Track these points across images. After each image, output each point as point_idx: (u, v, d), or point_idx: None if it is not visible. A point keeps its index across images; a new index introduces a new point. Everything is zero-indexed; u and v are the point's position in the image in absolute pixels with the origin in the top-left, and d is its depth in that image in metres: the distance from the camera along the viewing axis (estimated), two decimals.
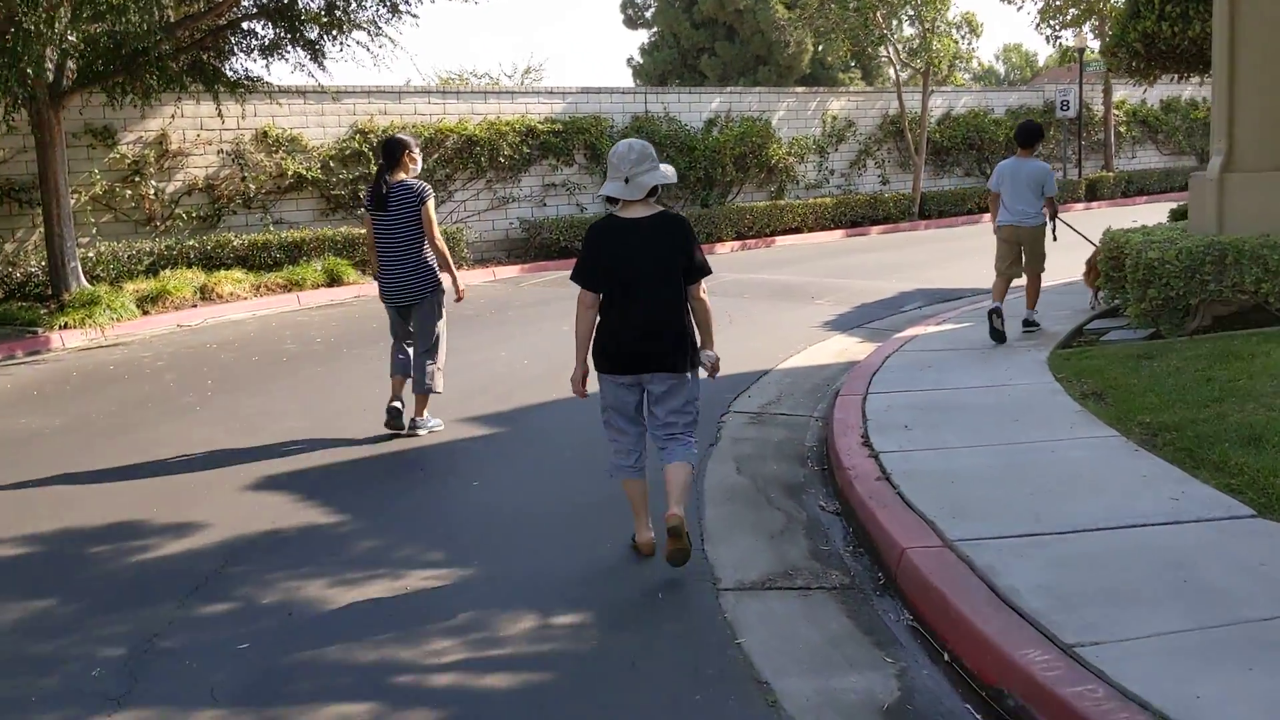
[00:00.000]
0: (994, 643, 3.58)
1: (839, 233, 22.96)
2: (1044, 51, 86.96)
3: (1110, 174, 28.72)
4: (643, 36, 44.43)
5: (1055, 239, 9.17)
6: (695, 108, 22.69)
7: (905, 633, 4.06)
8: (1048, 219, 9.06)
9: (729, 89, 23.83)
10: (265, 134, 17.69)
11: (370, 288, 16.23)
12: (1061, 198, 27.61)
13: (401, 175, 7.09)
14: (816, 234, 22.68)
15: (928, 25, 23.97)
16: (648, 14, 44.12)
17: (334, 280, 16.20)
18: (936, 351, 8.76)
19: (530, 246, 19.73)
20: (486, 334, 11.68)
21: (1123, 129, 30.52)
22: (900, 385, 7.57)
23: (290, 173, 17.72)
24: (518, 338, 11.39)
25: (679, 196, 22.16)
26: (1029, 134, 9.09)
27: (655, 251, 4.59)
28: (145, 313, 13.80)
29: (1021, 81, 60.64)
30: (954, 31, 25.26)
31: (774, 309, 12.38)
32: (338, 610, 4.46)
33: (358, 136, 18.45)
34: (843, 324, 11.14)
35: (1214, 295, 8.10)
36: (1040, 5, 29.69)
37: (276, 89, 17.19)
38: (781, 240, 22.12)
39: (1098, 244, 10.26)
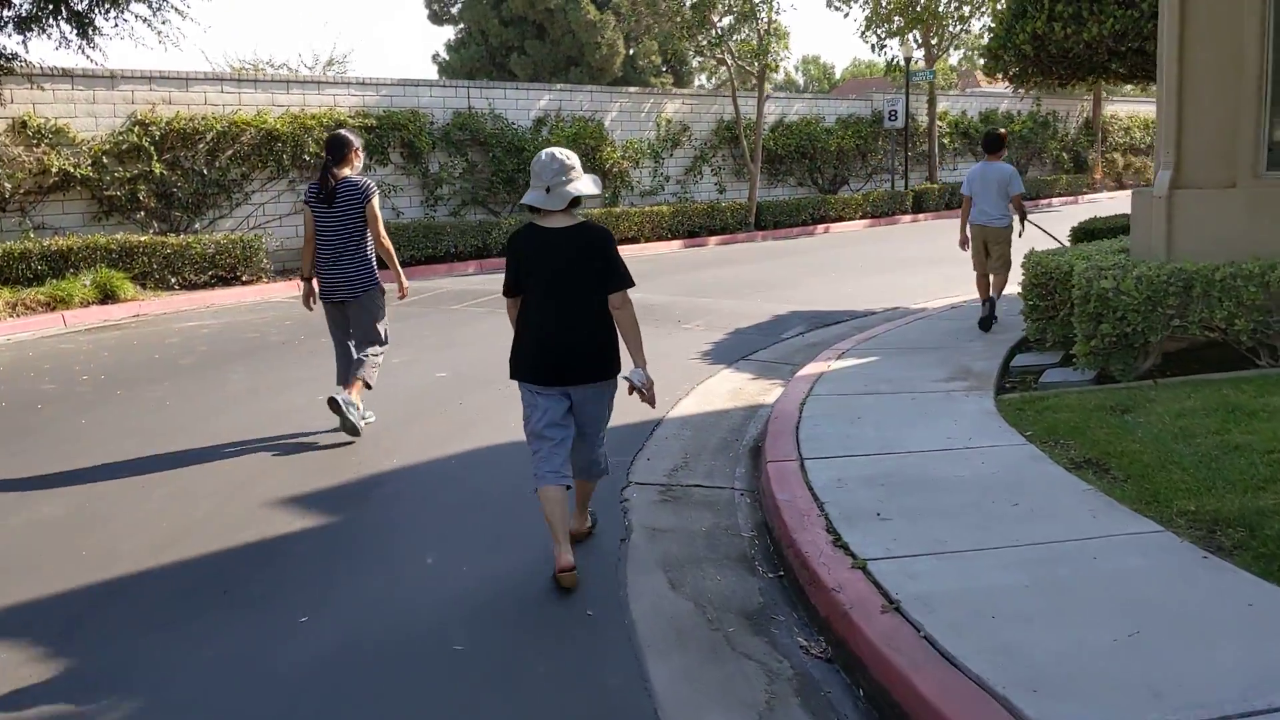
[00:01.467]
0: None
1: (676, 243, 21.66)
2: (840, 64, 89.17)
3: (935, 185, 28.56)
4: (449, 33, 42.41)
5: (1020, 235, 9.92)
6: (523, 105, 20.94)
7: None
8: (1016, 220, 9.82)
9: (559, 86, 22.19)
10: (24, 124, 14.94)
11: (151, 305, 13.81)
12: (886, 210, 27.61)
13: (346, 171, 7.03)
14: (654, 244, 21.31)
15: (763, 26, 22.96)
16: (454, 9, 42.15)
17: (108, 297, 13.70)
18: (857, 396, 7.38)
19: None
20: (301, 369, 9.66)
21: (946, 140, 30.49)
22: (838, 446, 6.11)
23: (55, 170, 15.03)
24: (328, 377, 9.41)
25: (507, 202, 20.37)
26: (993, 140, 10.00)
27: (573, 261, 4.54)
28: None
29: (821, 94, 61.35)
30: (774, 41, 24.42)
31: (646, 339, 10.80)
32: None
33: (136, 129, 15.87)
34: (724, 355, 9.67)
35: (1177, 331, 7.00)
36: (866, 13, 29.34)
37: (37, 70, 14.57)
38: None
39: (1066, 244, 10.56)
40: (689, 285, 14.62)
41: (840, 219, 25.29)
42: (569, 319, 4.57)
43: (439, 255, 18.01)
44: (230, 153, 16.44)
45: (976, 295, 10.25)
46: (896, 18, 28.50)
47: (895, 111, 27.55)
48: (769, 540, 5.14)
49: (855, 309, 12.08)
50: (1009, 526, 4.69)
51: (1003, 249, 9.82)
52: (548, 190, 4.50)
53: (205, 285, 15.16)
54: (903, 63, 28.94)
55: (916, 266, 16.01)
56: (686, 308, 12.46)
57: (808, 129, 26.18)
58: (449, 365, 9.56)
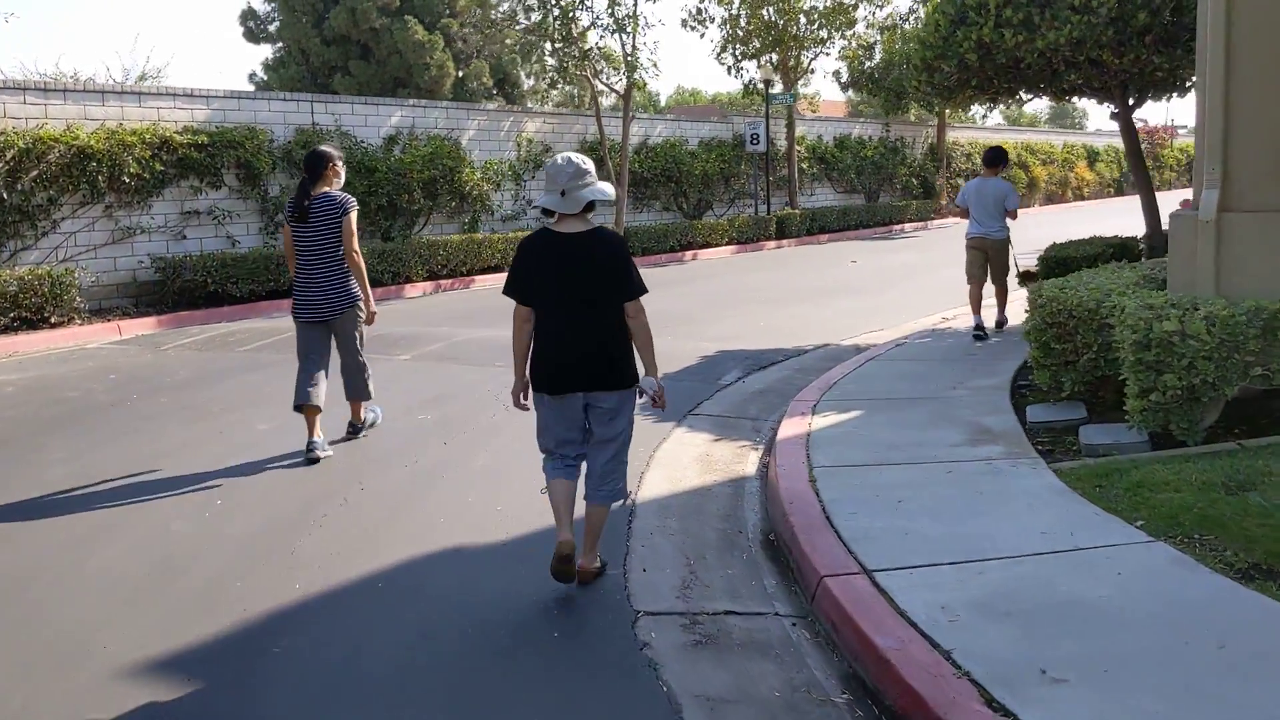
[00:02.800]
0: None
1: None
2: (706, 88, 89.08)
3: (797, 211, 27.80)
4: (267, 51, 39.80)
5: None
6: (373, 121, 18.95)
7: None
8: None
9: (412, 102, 20.25)
10: None
11: None
12: (751, 236, 26.68)
13: (325, 188, 6.92)
14: None
15: (628, 41, 21.64)
16: (271, 27, 39.61)
17: None
18: (874, 469, 5.94)
19: (168, 292, 15.14)
20: (144, 440, 7.62)
21: (805, 165, 29.85)
22: (903, 549, 4.64)
23: None
24: (183, 453, 7.44)
25: (360, 228, 18.30)
26: (994, 155, 10.60)
27: (587, 268, 4.47)
28: None
29: (684, 116, 60.70)
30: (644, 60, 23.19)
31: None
32: None
33: None
34: (669, 410, 8.10)
35: (1255, 381, 5.84)
36: (724, 33, 28.46)
37: None
38: (481, 280, 18.85)
39: (1028, 268, 10.83)
40: None
41: (707, 245, 24.15)
42: (584, 325, 4.50)
43: (281, 289, 15.84)
44: (34, 174, 13.90)
45: (903, 330, 10.91)
46: (755, 40, 27.68)
47: (757, 135, 26.66)
48: (882, 713, 3.60)
49: (784, 347, 10.72)
50: (1247, 689, 3.29)
51: (1001, 259, 10.46)
52: (563, 194, 4.44)
53: (5, 330, 12.64)
54: (761, 86, 28.15)
55: (816, 298, 14.84)
56: None
57: (672, 151, 24.98)
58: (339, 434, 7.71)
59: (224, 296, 15.14)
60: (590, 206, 4.51)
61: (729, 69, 29.39)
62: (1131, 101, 10.89)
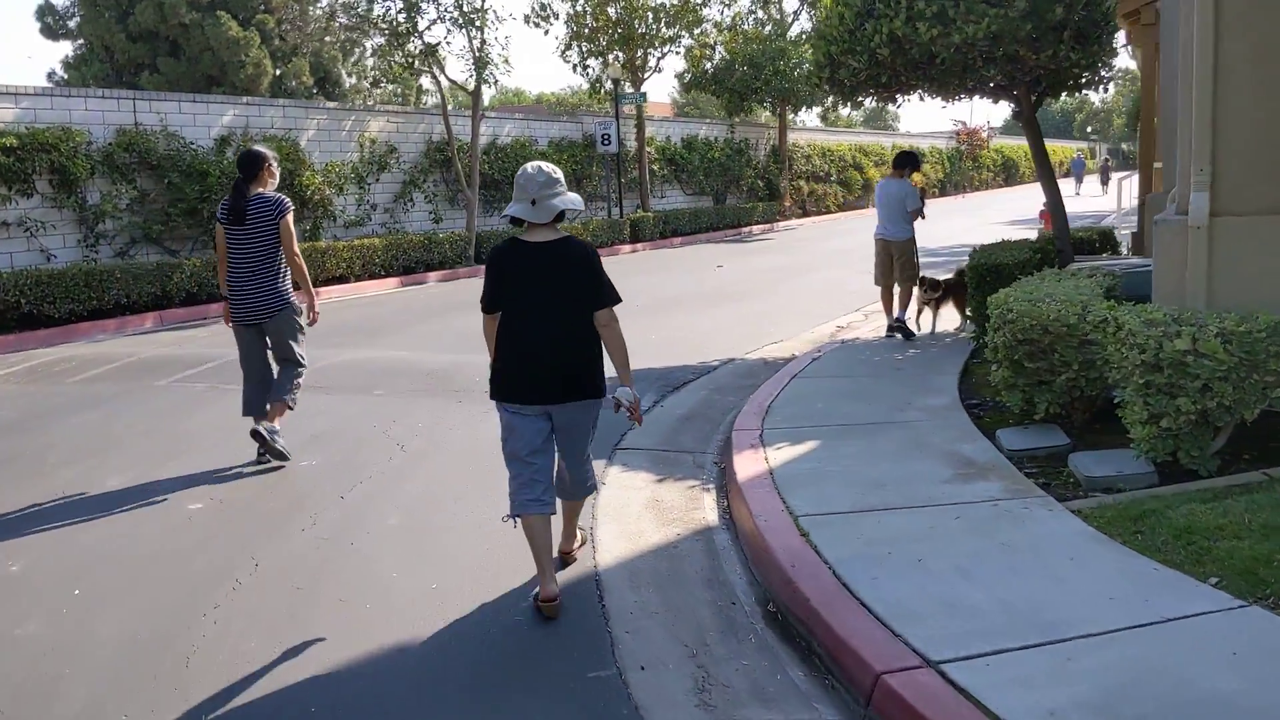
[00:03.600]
0: None
1: (392, 281, 18.68)
2: (530, 87, 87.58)
3: (650, 214, 27.17)
4: (67, 48, 36.88)
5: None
6: (203, 121, 17.26)
7: None
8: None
9: (246, 99, 18.62)
10: None
11: None
12: (607, 240, 25.86)
13: (259, 189, 6.80)
14: (367, 283, 18.24)
15: (477, 36, 20.49)
16: (71, 23, 36.69)
17: None
18: (870, 516, 5.16)
19: None
20: None
21: (655, 167, 29.24)
22: (958, 625, 3.86)
23: None
24: (19, 525, 6.11)
25: (188, 238, 16.65)
26: (901, 157, 10.65)
27: (557, 277, 4.39)
28: None
29: (533, 114, 59.43)
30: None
31: (466, 425, 8.09)
32: None
33: None
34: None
35: (1276, 403, 5.32)
36: (570, 30, 27.58)
37: None
38: (327, 292, 17.40)
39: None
40: (453, 339, 11.88)
41: None
42: (553, 336, 4.42)
43: (106, 308, 14.14)
44: None
45: (803, 340, 10.93)
46: (601, 37, 26.90)
47: (608, 135, 25.87)
48: None
49: (688, 364, 9.91)
50: None
51: (906, 260, 10.34)
52: (533, 203, 4.37)
53: None
54: (610, 85, 27.40)
55: (697, 306, 14.09)
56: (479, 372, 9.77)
57: (523, 152, 23.92)
58: (198, 493, 6.47)
59: (40, 318, 13.38)
60: (560, 216, 4.44)
61: (575, 67, 28.57)
62: (1033, 99, 10.55)
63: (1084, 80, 9.88)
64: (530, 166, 4.43)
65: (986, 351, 6.78)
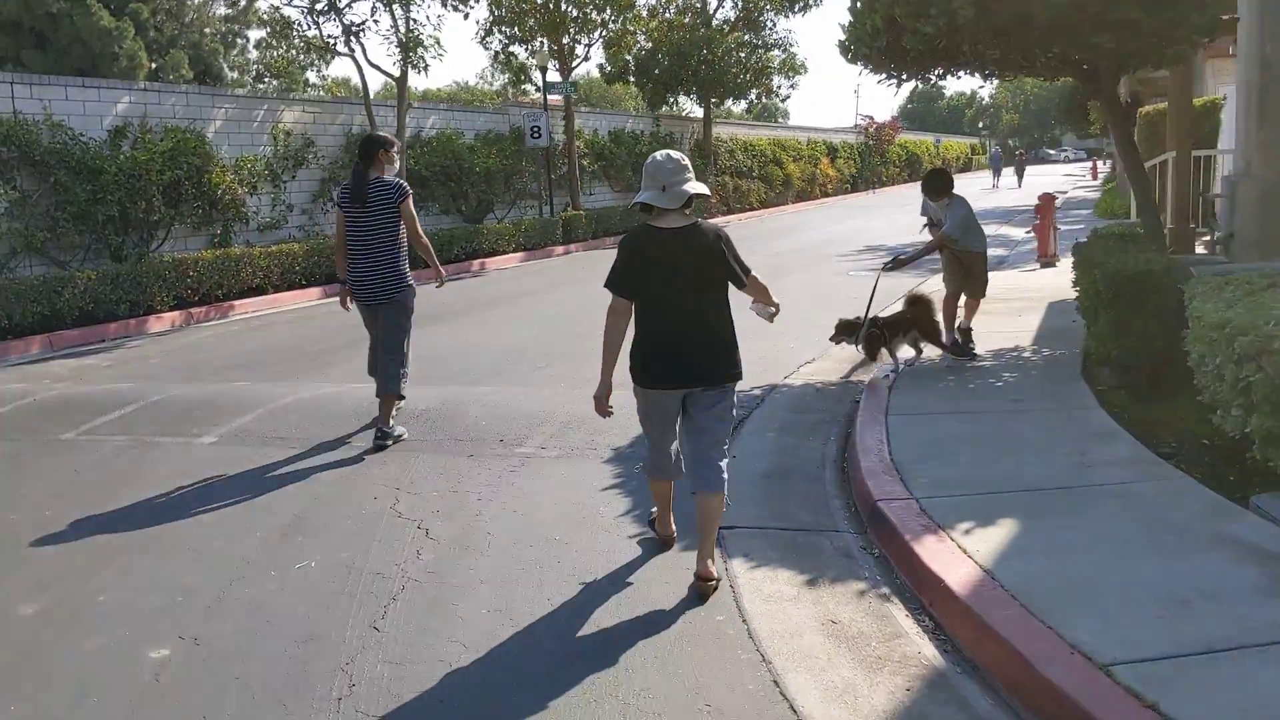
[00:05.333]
0: None
1: (315, 291, 16.50)
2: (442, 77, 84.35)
3: (581, 212, 25.32)
4: None
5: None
6: (94, 109, 14.85)
7: None
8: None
9: (144, 85, 16.21)
10: None
11: None
12: (539, 241, 23.92)
13: (377, 174, 6.93)
14: (286, 294, 16.05)
15: (402, 16, 18.40)
16: None
17: None
18: (1240, 659, 3.49)
19: None
20: None
21: (585, 162, 27.40)
22: None
23: None
24: None
25: (79, 246, 14.26)
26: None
27: (692, 261, 4.42)
28: None
29: (458, 105, 56.67)
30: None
31: (495, 493, 6.21)
32: None
33: None
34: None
35: None
36: (492, 13, 25.55)
37: None
38: (244, 306, 15.18)
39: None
40: (425, 365, 9.89)
41: (495, 253, 21.24)
42: (692, 320, 4.45)
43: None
44: None
45: (845, 357, 9.35)
46: (528, 20, 24.92)
47: (538, 128, 23.92)
48: None
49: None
50: None
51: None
52: (663, 189, 4.35)
53: None
54: (538, 73, 25.46)
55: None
56: (481, 412, 7.84)
57: (450, 145, 21.83)
58: (163, 633, 4.50)
59: None
60: (689, 201, 4.40)
61: (496, 54, 26.56)
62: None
63: (1181, 50, 8.41)
64: (660, 154, 4.47)
65: (1213, 391, 5.18)
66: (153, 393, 8.80)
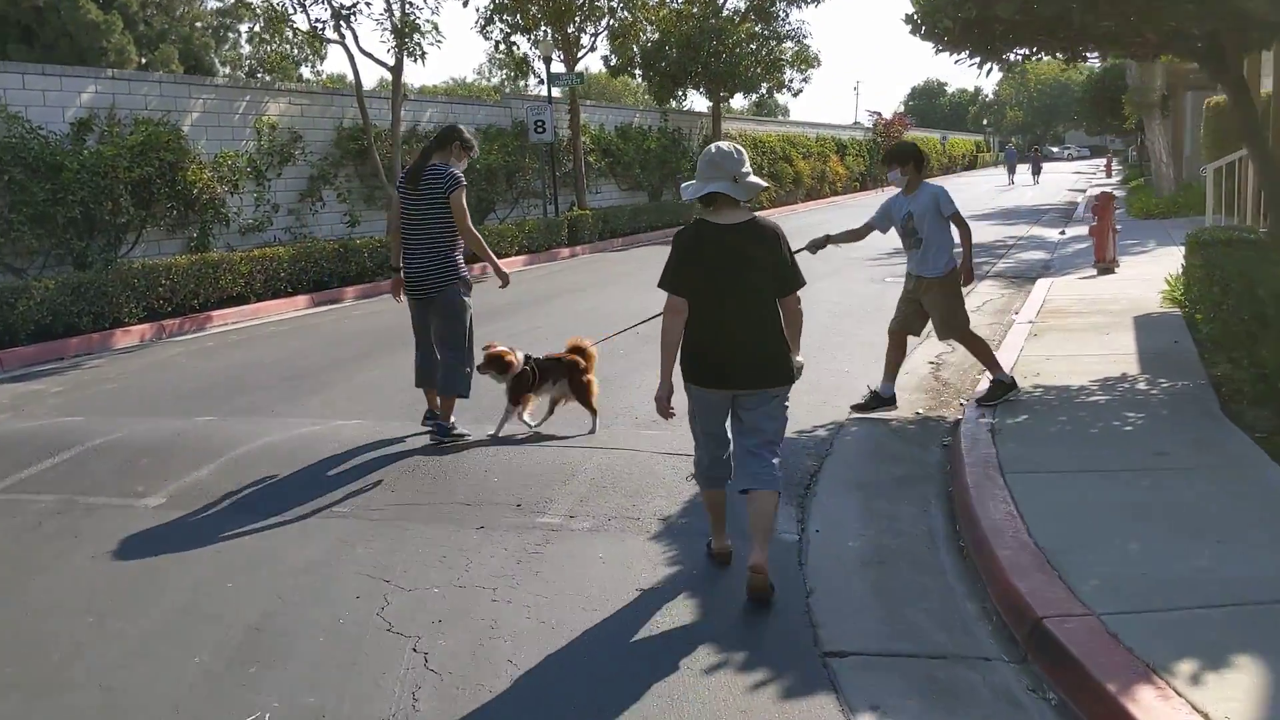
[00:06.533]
0: None
1: (302, 300, 15.11)
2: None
3: (588, 212, 23.90)
4: None
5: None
6: (55, 99, 13.44)
7: None
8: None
9: (112, 73, 14.78)
10: None
11: None
12: (543, 243, 22.52)
13: (442, 160, 6.68)
14: (270, 303, 14.65)
15: (396, 2, 16.96)
16: None
17: None
18: None
19: None
20: None
21: (591, 159, 25.98)
22: None
23: None
24: None
25: (37, 252, 12.83)
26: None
27: (750, 259, 4.28)
28: None
29: (457, 97, 55.19)
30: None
31: (513, 590, 4.84)
32: None
33: None
34: (774, 641, 3.96)
35: None
36: (491, 2, 24.10)
37: None
38: (222, 317, 13.78)
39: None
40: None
41: (498, 256, 19.76)
42: (748, 318, 4.30)
43: None
44: None
45: (907, 381, 7.85)
46: (532, 7, 23.47)
47: (542, 122, 22.50)
48: None
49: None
50: None
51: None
52: (734, 180, 4.27)
53: None
54: (542, 65, 24.03)
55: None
56: (492, 468, 6.42)
57: None
58: None
59: None
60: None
61: (497, 45, 25.15)
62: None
63: None
64: (724, 145, 4.36)
65: None
66: (99, 432, 7.38)
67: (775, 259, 4.29)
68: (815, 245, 7.02)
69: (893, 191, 7.28)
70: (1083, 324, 9.79)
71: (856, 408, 7.26)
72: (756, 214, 4.38)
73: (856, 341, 9.96)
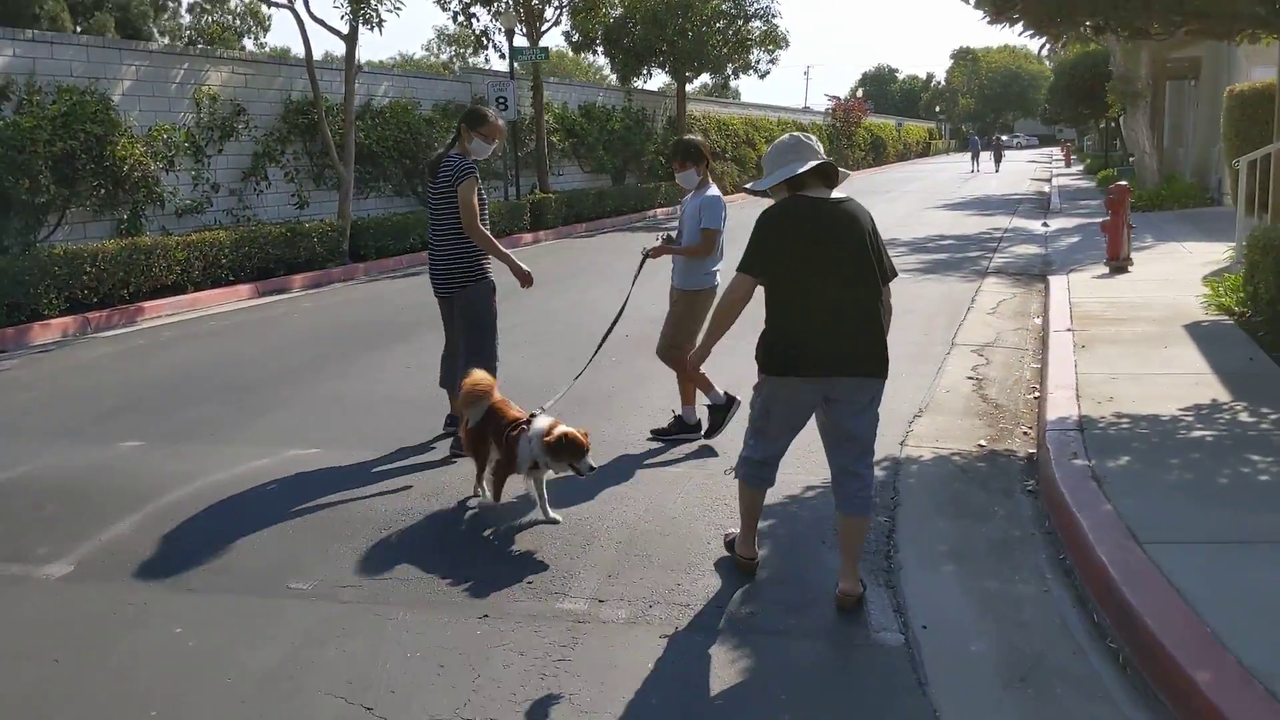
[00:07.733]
0: None
1: (245, 289, 13.72)
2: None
3: (551, 195, 22.61)
4: None
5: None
6: None
7: None
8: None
9: (31, 33, 13.19)
10: None
11: None
12: (505, 228, 21.19)
13: (459, 150, 6.19)
14: (210, 293, 13.26)
15: None
16: None
17: None
18: None
19: None
20: None
21: (555, 139, 24.66)
22: None
23: None
24: None
25: None
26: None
27: (855, 239, 4.00)
28: None
29: (413, 72, 53.29)
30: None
31: None
32: None
33: None
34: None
35: None
36: None
37: None
38: (155, 309, 12.37)
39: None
40: (393, 411, 7.23)
41: None
42: (846, 302, 3.98)
43: None
44: None
45: (945, 412, 6.96)
46: None
47: (504, 99, 21.19)
48: None
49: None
50: None
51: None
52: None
53: None
54: (504, 39, 22.64)
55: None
56: (506, 519, 5.22)
57: (405, 117, 19.05)
58: None
59: None
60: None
61: (455, 15, 23.74)
62: None
63: None
64: (798, 134, 4.14)
65: None
66: (26, 475, 6.06)
67: (877, 241, 4.06)
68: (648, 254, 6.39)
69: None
70: (1130, 334, 8.77)
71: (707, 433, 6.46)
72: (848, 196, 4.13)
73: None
